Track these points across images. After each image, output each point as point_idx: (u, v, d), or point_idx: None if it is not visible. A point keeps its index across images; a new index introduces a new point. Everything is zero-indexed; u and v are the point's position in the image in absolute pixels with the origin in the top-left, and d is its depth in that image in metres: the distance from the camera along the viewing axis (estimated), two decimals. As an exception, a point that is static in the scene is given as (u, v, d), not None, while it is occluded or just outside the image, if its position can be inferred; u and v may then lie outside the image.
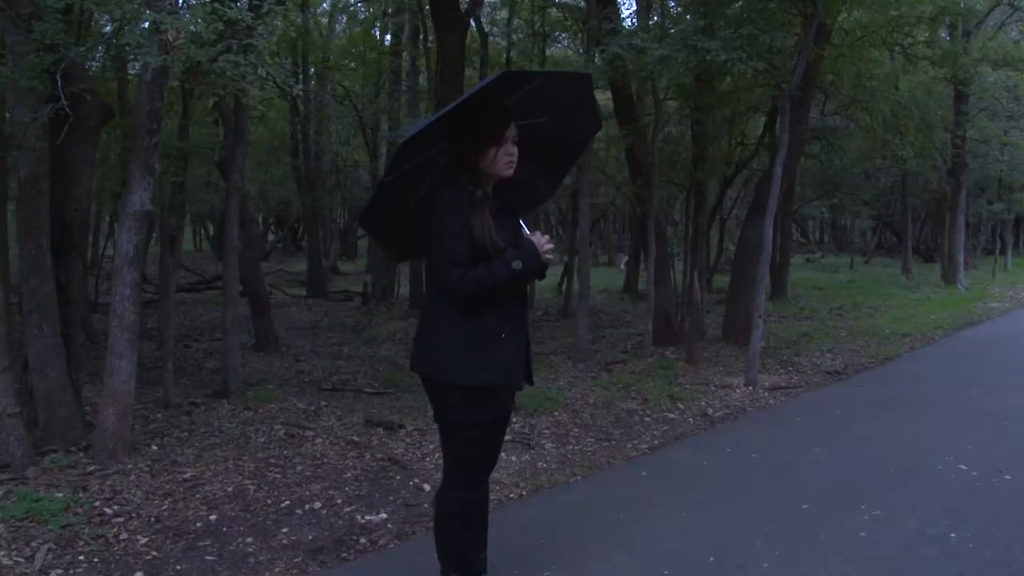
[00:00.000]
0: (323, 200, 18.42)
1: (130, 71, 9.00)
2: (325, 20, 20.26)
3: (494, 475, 4.93)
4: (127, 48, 3.95)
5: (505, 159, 2.81)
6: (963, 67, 14.21)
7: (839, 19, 8.94)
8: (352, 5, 18.19)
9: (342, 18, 19.27)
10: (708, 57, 6.52)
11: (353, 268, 23.50)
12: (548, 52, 15.44)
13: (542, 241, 2.83)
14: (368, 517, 4.18)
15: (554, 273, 19.25)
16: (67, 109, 4.06)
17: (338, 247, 26.31)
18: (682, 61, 6.77)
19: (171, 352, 6.61)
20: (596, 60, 7.99)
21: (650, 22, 10.64)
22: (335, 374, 8.14)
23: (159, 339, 8.37)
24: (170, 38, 3.66)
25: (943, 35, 15.85)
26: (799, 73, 7.39)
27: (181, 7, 4.71)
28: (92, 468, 4.74)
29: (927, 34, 13.16)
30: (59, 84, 3.97)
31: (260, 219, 37.17)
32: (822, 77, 10.70)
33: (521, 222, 2.94)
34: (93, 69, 7.93)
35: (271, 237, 34.23)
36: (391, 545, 3.86)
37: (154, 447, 5.28)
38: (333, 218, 31.16)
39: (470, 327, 2.78)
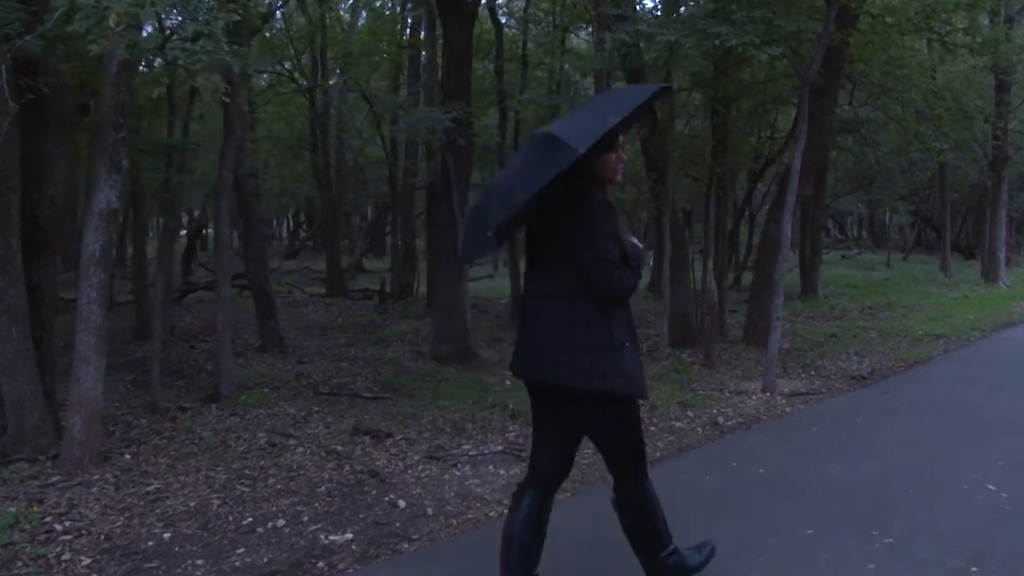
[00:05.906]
0: (342, 197, 18.22)
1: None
2: (347, 16, 20.08)
3: (478, 491, 4.66)
4: (82, 36, 3.69)
5: (620, 165, 2.93)
6: (1005, 55, 13.48)
7: (866, 3, 8.42)
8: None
9: (363, 13, 19.05)
10: (718, 43, 6.11)
11: (379, 266, 23.34)
12: (568, 44, 15.07)
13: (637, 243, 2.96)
14: (332, 537, 3.89)
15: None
16: (11, 100, 3.83)
17: (363, 244, 26.14)
18: (692, 47, 6.36)
19: (157, 354, 6.42)
20: (606, 47, 7.61)
21: (676, 13, 10.23)
22: (335, 376, 7.90)
23: (164, 340, 8.19)
24: (112, 23, 3.41)
25: (983, 22, 15.13)
26: (819, 59, 6.94)
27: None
28: (55, 479, 4.53)
29: (966, 21, 12.50)
30: (3, 75, 3.73)
31: (289, 216, 37.31)
32: (853, 65, 10.17)
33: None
34: (90, 63, 7.76)
35: (301, 234, 34.35)
36: (350, 570, 3.55)
37: (127, 456, 5.06)
38: (363, 214, 31.05)
39: (605, 336, 2.79)
